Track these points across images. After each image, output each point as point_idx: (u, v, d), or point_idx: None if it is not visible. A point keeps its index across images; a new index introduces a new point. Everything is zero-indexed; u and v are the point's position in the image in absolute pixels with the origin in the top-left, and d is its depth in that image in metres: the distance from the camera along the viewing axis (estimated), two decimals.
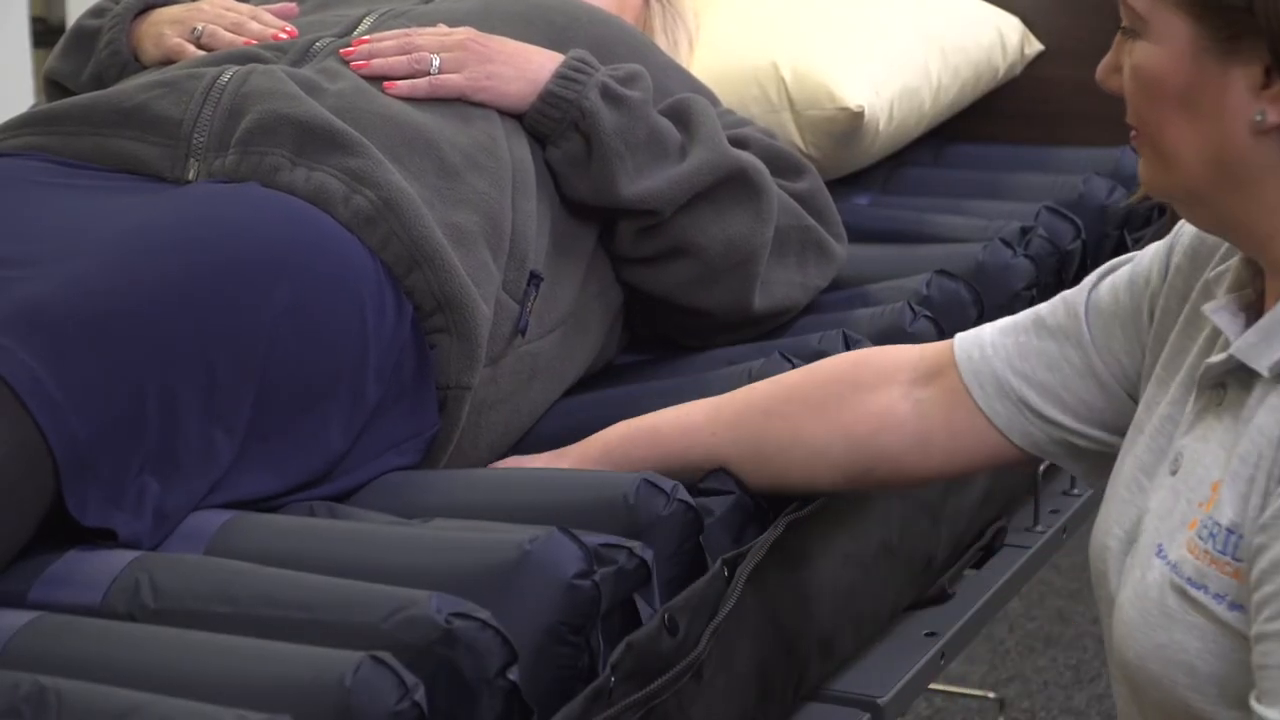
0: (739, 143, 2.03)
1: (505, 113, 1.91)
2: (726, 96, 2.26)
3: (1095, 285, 1.61)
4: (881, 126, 2.47)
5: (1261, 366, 1.36)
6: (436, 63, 1.90)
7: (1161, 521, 1.41)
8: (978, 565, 2.03)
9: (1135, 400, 1.56)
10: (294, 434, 1.61)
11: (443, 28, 1.96)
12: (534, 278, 1.83)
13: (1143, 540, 1.43)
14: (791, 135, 2.44)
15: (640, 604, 1.48)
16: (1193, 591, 1.36)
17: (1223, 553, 1.34)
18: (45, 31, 4.13)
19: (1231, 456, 1.36)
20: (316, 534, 1.53)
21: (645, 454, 1.70)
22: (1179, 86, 1.36)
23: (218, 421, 1.56)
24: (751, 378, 1.78)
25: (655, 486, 1.55)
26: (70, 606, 1.41)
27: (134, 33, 2.05)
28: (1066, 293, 1.63)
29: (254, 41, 1.98)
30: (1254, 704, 1.30)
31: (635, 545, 1.47)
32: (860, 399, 1.66)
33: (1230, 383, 1.40)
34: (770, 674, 1.66)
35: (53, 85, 2.13)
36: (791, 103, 2.45)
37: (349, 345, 1.65)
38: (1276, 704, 1.28)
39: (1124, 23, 1.40)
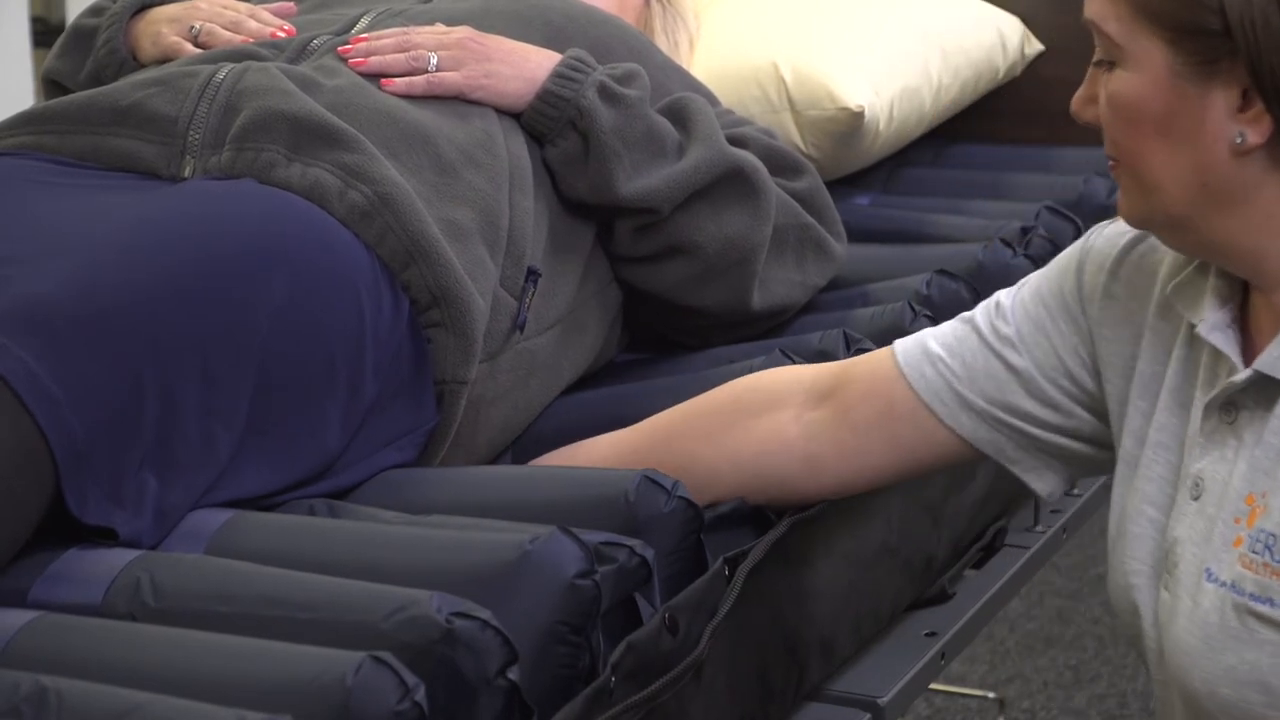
0: (738, 142, 2.02)
1: (503, 111, 1.91)
2: (727, 97, 2.25)
3: (1012, 306, 1.61)
4: (882, 126, 2.47)
5: None
6: (434, 61, 1.90)
7: (1200, 547, 1.41)
8: (978, 565, 2.03)
9: (1090, 413, 1.57)
10: (292, 429, 1.61)
11: (441, 27, 1.96)
12: (532, 274, 1.83)
13: (1182, 569, 1.43)
14: (792, 135, 2.44)
15: (640, 602, 1.48)
16: (1259, 607, 1.36)
17: None
18: (45, 31, 4.13)
19: (1273, 467, 1.36)
20: (317, 533, 1.53)
21: None
22: (1158, 113, 1.37)
23: (216, 417, 1.55)
24: (751, 375, 1.78)
25: (655, 483, 1.55)
26: (70, 605, 1.40)
27: (132, 31, 2.05)
28: (992, 312, 1.62)
29: (251, 40, 1.98)
30: None
31: (636, 544, 1.47)
32: (747, 424, 1.67)
33: (1243, 401, 1.40)
34: (770, 674, 1.66)
35: (51, 84, 2.13)
36: (792, 103, 2.45)
37: (346, 339, 1.65)
38: None
39: (1098, 54, 1.41)
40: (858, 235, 2.26)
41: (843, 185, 2.52)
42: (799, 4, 2.60)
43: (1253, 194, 1.37)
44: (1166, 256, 1.51)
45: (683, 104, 2.00)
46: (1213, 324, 1.43)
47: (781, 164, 2.07)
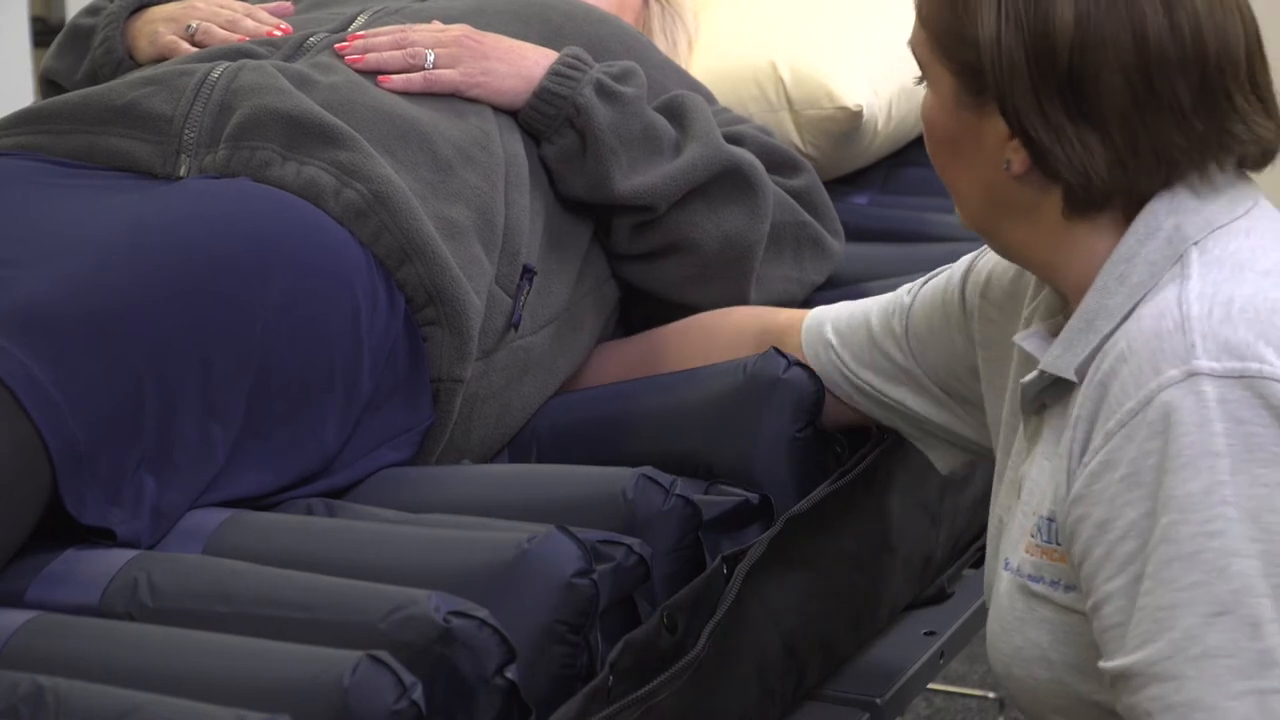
0: (735, 140, 2.02)
1: (500, 109, 1.91)
2: (725, 96, 2.25)
3: (909, 308, 1.72)
4: (880, 126, 2.47)
5: (1068, 372, 1.42)
6: (431, 58, 1.90)
7: (1008, 540, 1.49)
8: (977, 564, 2.03)
9: (975, 416, 1.67)
10: (290, 429, 1.61)
11: (438, 24, 1.96)
12: (527, 272, 1.83)
13: (998, 563, 1.51)
14: (790, 135, 2.43)
15: (639, 601, 1.47)
16: (1034, 586, 1.44)
17: (1049, 541, 1.43)
18: (45, 31, 4.12)
19: (1060, 463, 1.42)
20: (315, 533, 1.53)
21: None
22: (947, 133, 1.47)
23: (214, 417, 1.55)
24: (746, 373, 1.78)
25: (654, 482, 1.55)
26: (68, 606, 1.40)
27: (129, 30, 2.05)
28: (890, 306, 1.74)
29: (248, 38, 1.98)
30: (1103, 665, 1.34)
31: (634, 542, 1.47)
32: (713, 357, 1.82)
33: (1049, 401, 1.46)
34: (769, 673, 1.66)
35: (48, 83, 2.13)
36: (790, 102, 2.45)
37: (343, 338, 1.65)
38: (1121, 652, 1.32)
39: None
40: (856, 234, 2.26)
41: (841, 184, 2.52)
42: (798, 4, 2.59)
43: (1033, 212, 1.44)
44: (1033, 278, 1.57)
45: (680, 102, 2.00)
46: (1030, 332, 1.50)
47: (779, 162, 2.07)
